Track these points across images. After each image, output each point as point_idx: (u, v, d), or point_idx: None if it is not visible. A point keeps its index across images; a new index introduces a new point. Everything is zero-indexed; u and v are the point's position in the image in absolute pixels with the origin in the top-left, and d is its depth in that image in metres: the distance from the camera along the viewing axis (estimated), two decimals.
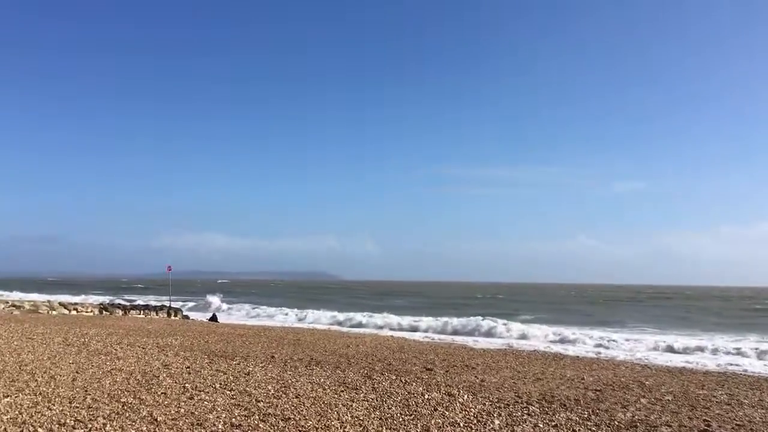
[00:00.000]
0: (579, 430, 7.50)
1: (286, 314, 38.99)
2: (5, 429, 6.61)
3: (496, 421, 7.69)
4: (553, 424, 7.69)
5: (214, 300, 50.17)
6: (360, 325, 32.41)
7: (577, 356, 16.53)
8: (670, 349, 21.10)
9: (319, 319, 35.33)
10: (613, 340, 23.70)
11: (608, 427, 7.71)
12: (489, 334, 27.48)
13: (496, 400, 9.00)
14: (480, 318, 31.81)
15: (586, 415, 8.25)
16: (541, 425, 7.59)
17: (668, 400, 9.73)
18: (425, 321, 32.55)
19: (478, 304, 62.88)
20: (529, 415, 8.14)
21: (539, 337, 25.37)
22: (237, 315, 39.71)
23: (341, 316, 35.45)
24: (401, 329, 29.85)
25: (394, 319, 34.08)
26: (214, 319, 32.54)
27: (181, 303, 47.67)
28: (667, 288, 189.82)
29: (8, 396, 8.13)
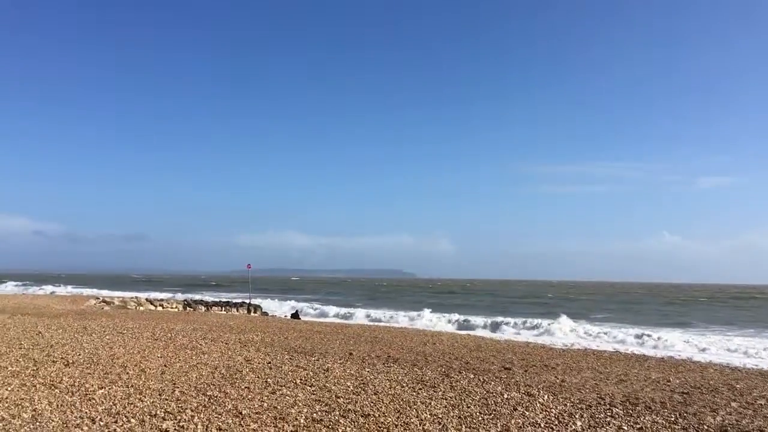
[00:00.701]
0: None
1: (365, 312, 39.31)
2: (100, 419, 6.95)
3: (578, 423, 7.52)
4: (638, 427, 7.46)
5: (291, 301, 51.16)
6: (434, 323, 32.34)
7: (662, 358, 15.96)
8: (762, 353, 20.08)
9: (395, 317, 35.46)
10: (698, 342, 22.76)
11: (696, 431, 7.41)
12: (563, 333, 26.91)
13: (577, 401, 8.81)
14: (556, 317, 31.20)
15: (672, 419, 7.96)
16: (626, 428, 7.38)
17: (761, 404, 9.27)
18: (499, 320, 32.17)
19: (551, 303, 61.73)
20: (612, 417, 7.93)
21: (618, 337, 24.64)
22: (314, 313, 40.29)
23: (416, 315, 35.47)
24: (467, 327, 29.66)
25: (468, 317, 33.85)
26: (296, 316, 33.12)
27: (260, 300, 48.82)
28: (753, 287, 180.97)
29: (102, 387, 8.54)
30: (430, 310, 37.86)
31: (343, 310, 40.45)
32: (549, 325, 28.83)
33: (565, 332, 27.20)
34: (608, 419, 7.79)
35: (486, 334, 24.72)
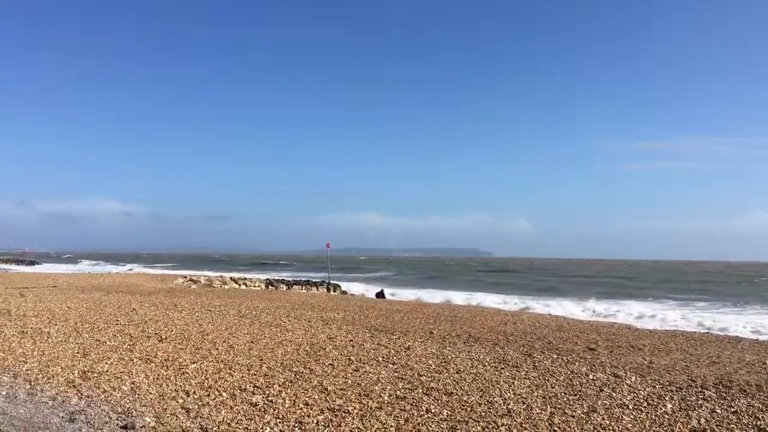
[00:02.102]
0: (763, 417, 6.97)
1: (445, 293, 39.40)
2: (194, 392, 7.29)
3: (668, 405, 7.33)
4: (732, 410, 7.20)
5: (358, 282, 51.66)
6: (517, 304, 32.09)
7: (756, 340, 15.28)
8: None
9: (475, 297, 35.37)
10: None
11: None
12: (650, 315, 26.14)
13: (666, 383, 8.57)
14: (643, 298, 30.36)
15: None
16: (719, 411, 7.13)
17: None
18: (581, 300, 31.60)
19: (635, 283, 59.98)
20: (704, 399, 7.68)
21: (706, 319, 23.72)
22: (394, 293, 40.64)
23: (496, 296, 35.25)
24: (540, 305, 29.24)
25: (549, 298, 33.40)
26: (381, 295, 33.35)
27: (339, 279, 49.61)
28: None
29: (195, 362, 8.94)
30: (508, 290, 37.55)
31: (416, 290, 40.61)
32: (635, 305, 28.10)
33: (649, 314, 26.43)
34: (700, 402, 7.55)
35: (567, 314, 24.30)
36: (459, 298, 34.65)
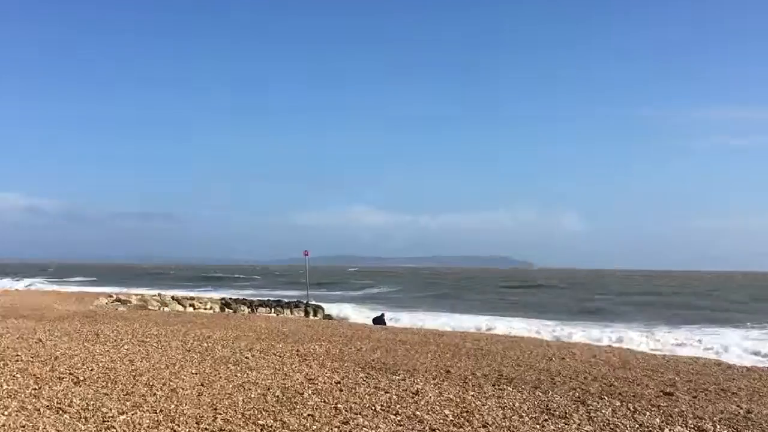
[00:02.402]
0: None
1: (462, 318, 39.40)
2: None
3: None
4: None
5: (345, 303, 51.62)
6: (555, 331, 32.11)
7: None
8: None
9: (502, 323, 35.37)
10: None
11: None
12: (747, 348, 26.19)
13: None
14: (736, 323, 30.41)
15: None
16: None
17: None
18: (650, 326, 31.67)
19: (721, 305, 60.16)
20: None
21: None
22: (396, 317, 40.64)
23: (529, 322, 35.29)
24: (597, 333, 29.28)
25: (603, 323, 33.47)
26: (380, 320, 33.07)
27: (321, 297, 49.69)
28: None
29: (124, 413, 8.87)
30: (550, 312, 37.59)
31: (430, 314, 40.64)
32: (727, 333, 28.14)
33: (746, 345, 26.47)
34: None
35: (633, 345, 24.33)
36: (482, 323, 34.70)
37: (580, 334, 31.10)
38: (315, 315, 36.55)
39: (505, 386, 11.81)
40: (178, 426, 8.34)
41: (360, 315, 40.14)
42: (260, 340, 17.88)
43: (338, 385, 11.34)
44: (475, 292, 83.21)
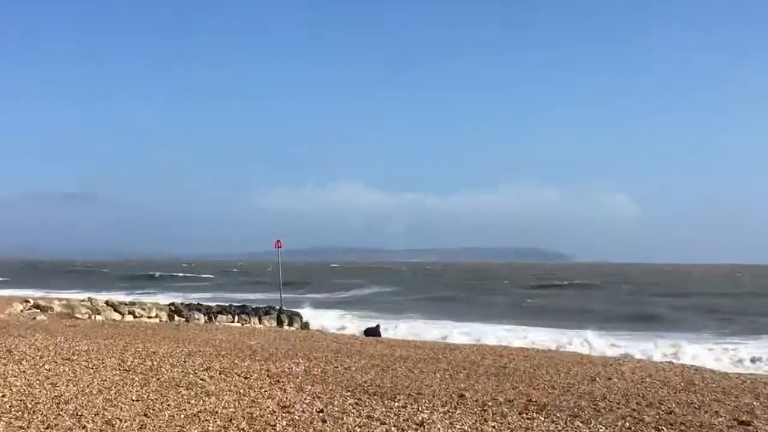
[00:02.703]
0: None
1: (477, 328, 39.47)
2: None
3: None
4: None
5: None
6: (610, 344, 32.19)
7: None
8: None
9: (539, 335, 35.45)
10: None
11: None
12: None
13: None
14: None
15: None
16: None
17: None
18: (724, 337, 31.77)
19: None
20: None
21: None
22: (393, 327, 40.68)
23: (571, 332, 35.35)
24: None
25: (669, 332, 33.56)
26: (374, 332, 33.01)
27: (297, 302, 49.66)
28: None
29: None
30: (595, 322, 37.67)
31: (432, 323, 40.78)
32: None
33: None
34: None
35: (700, 362, 24.43)
36: (504, 334, 34.76)
37: (631, 347, 31.16)
38: (291, 325, 36.54)
39: (535, 415, 11.90)
40: None
41: (348, 324, 40.18)
42: (220, 356, 17.97)
43: (320, 414, 11.43)
44: (495, 294, 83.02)
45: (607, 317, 48.84)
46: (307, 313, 42.47)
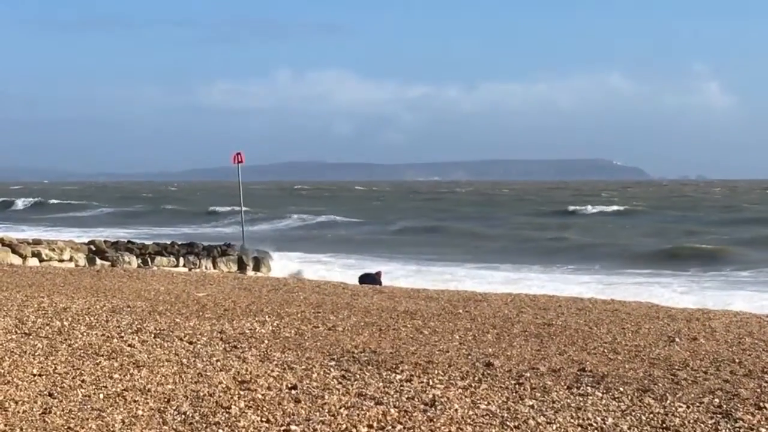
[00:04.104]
0: None
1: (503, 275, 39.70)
2: None
3: None
4: None
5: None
6: (694, 291, 32.28)
7: None
8: None
9: (596, 281, 35.59)
10: None
11: None
12: None
13: None
14: None
15: None
16: None
17: None
18: None
19: None
20: None
21: None
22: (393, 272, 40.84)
23: (639, 276, 35.51)
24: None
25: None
26: (371, 279, 33.00)
27: (265, 237, 49.71)
28: None
29: None
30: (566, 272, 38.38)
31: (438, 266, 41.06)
32: None
33: None
34: None
35: None
36: (545, 282, 35.01)
37: (726, 296, 31.22)
38: (257, 270, 36.61)
39: (590, 390, 11.72)
40: None
41: (333, 269, 40.33)
42: (156, 314, 17.86)
43: (292, 392, 11.22)
44: (538, 228, 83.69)
45: (696, 255, 49.34)
46: (282, 256, 42.59)
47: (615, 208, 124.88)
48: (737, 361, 13.98)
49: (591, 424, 9.98)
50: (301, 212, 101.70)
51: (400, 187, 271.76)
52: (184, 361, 13.04)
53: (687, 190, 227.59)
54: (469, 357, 13.83)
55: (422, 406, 10.62)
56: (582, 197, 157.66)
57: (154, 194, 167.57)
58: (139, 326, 16.11)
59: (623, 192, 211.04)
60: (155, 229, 64.26)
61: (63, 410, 10.13)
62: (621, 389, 11.72)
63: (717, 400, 11.27)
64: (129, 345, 14.21)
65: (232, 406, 10.41)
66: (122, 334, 15.17)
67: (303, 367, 12.80)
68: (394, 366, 13.02)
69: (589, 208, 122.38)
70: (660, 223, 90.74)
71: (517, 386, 11.84)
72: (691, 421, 10.20)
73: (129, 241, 40.82)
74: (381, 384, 11.79)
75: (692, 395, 11.49)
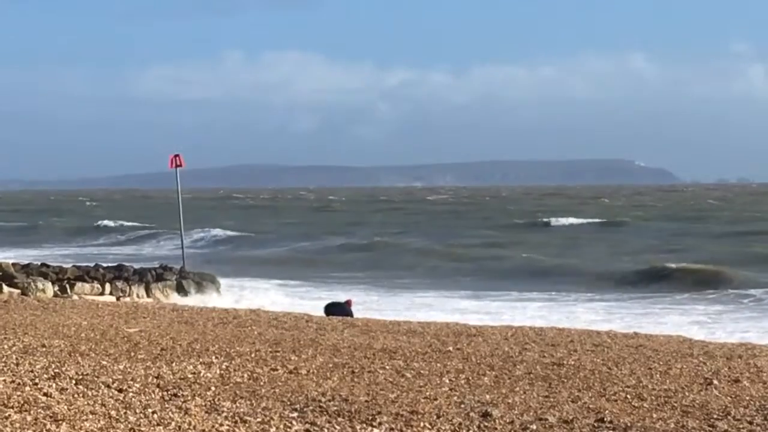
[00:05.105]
0: None
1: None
2: None
3: None
4: None
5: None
6: (733, 321, 32.54)
7: None
8: None
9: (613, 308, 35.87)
10: None
11: None
12: None
13: None
14: None
15: None
16: None
17: None
18: None
19: None
20: None
21: None
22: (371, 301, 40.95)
23: (671, 302, 35.78)
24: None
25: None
26: (339, 310, 33.08)
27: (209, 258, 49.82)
28: None
29: None
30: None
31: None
32: None
33: None
34: None
35: None
36: (554, 313, 35.23)
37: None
38: (200, 292, 36.68)
39: None
40: None
41: (294, 298, 40.50)
42: (79, 354, 17.83)
43: None
44: (491, 245, 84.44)
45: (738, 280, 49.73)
46: (230, 282, 42.74)
47: (592, 220, 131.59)
48: None
49: None
50: (213, 226, 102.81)
51: (364, 194, 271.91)
52: (113, 413, 12.97)
53: (713, 196, 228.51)
54: (462, 406, 13.81)
55: None
56: (571, 207, 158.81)
57: (37, 206, 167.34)
58: (56, 370, 16.02)
59: (630, 199, 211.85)
60: (75, 249, 64.11)
61: None
62: None
63: None
64: (45, 394, 14.11)
65: None
66: (36, 381, 15.07)
67: (258, 419, 12.77)
68: (370, 417, 12.98)
69: (562, 220, 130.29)
70: (638, 238, 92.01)
71: None
72: None
73: (43, 264, 40.75)
74: None
75: None
